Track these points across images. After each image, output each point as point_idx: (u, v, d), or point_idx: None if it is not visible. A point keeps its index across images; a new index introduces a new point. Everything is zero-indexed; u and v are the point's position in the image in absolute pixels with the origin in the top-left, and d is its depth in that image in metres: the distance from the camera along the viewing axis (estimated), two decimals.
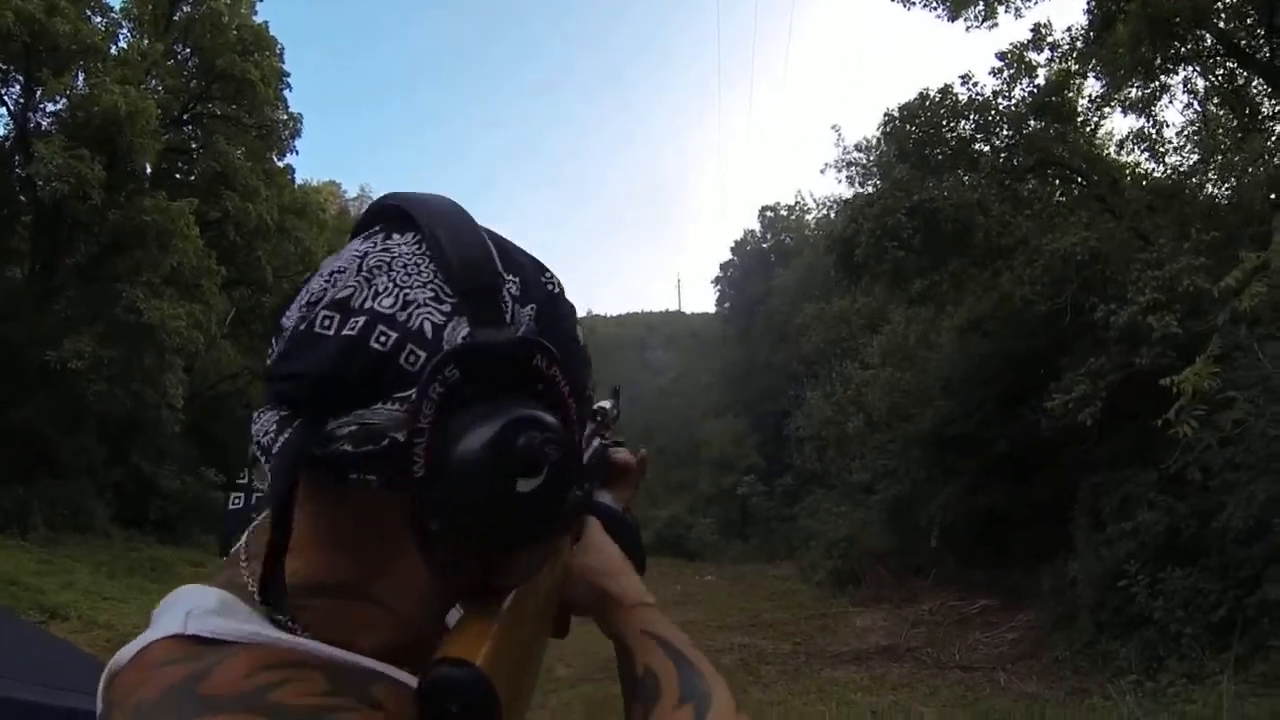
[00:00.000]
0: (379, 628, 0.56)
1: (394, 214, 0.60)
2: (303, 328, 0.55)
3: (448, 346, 0.53)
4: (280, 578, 0.54)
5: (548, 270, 0.63)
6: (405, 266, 0.55)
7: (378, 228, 0.60)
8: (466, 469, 0.49)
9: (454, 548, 0.52)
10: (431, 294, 0.54)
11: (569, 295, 0.64)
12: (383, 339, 0.53)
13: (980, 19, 13.63)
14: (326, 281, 0.56)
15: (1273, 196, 9.52)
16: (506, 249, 0.61)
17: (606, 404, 0.96)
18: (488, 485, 0.50)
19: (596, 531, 0.79)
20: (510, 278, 0.58)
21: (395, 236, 0.58)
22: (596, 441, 0.83)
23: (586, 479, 0.59)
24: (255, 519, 0.61)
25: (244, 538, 0.61)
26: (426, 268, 0.55)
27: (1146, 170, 13.32)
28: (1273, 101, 11.68)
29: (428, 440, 0.50)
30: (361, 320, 0.53)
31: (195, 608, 0.53)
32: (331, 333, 0.53)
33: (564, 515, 0.55)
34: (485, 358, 0.52)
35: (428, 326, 0.53)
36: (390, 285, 0.54)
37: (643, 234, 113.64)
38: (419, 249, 0.57)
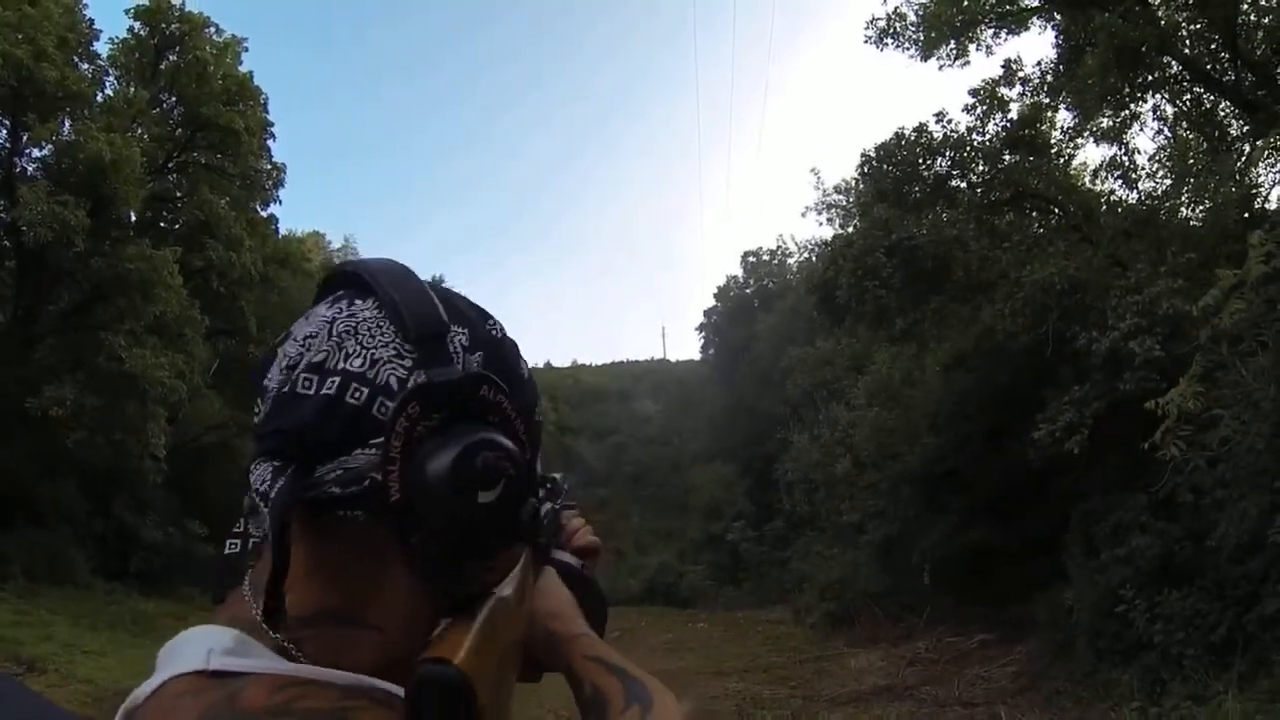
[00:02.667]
0: (372, 647, 0.63)
1: (353, 280, 0.69)
2: (285, 390, 0.63)
3: None
4: (282, 601, 0.63)
5: (491, 317, 0.73)
6: (370, 330, 0.64)
7: (341, 293, 0.68)
8: (436, 487, 0.58)
9: (434, 556, 0.61)
10: (394, 352, 0.63)
11: (530, 342, 0.74)
12: (356, 394, 0.62)
13: (952, 58, 14.01)
14: (302, 347, 0.65)
15: (1245, 215, 9.69)
16: (452, 302, 0.70)
17: (558, 476, 1.04)
18: (455, 499, 0.59)
19: (548, 579, 0.86)
20: (458, 329, 0.67)
21: (358, 303, 0.66)
22: (548, 506, 0.93)
23: (537, 492, 0.71)
24: (252, 565, 0.69)
25: (246, 580, 0.68)
26: (388, 329, 0.64)
27: (1121, 198, 13.44)
28: (1240, 122, 11.90)
29: (399, 468, 0.58)
30: (337, 380, 0.62)
31: (215, 646, 0.61)
32: (312, 392, 0.62)
33: (521, 520, 0.63)
34: (440, 393, 0.61)
35: (393, 380, 0.63)
36: (359, 348, 0.63)
37: (626, 284, 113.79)
38: (379, 313, 0.65)
